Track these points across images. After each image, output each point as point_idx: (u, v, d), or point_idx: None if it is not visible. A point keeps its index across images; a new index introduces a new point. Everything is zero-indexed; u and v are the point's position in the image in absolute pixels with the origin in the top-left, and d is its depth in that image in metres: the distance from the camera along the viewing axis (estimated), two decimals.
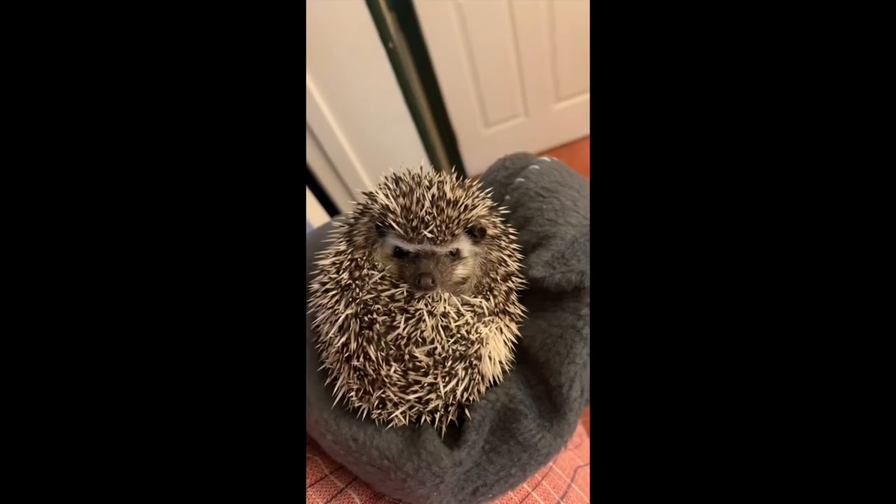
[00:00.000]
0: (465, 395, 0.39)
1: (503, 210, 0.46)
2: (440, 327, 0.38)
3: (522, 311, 0.43)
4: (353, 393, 0.39)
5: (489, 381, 0.40)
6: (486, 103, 1.87)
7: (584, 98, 1.92)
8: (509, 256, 0.43)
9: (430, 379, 0.38)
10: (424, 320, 0.38)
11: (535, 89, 1.86)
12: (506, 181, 0.51)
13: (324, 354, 0.42)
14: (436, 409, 0.39)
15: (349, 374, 0.39)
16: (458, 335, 0.38)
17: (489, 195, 0.47)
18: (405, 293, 0.39)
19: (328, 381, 0.42)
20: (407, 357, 0.38)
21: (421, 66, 1.64)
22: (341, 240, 0.43)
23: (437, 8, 1.51)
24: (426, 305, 0.39)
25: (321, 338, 0.42)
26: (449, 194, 0.40)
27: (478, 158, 2.27)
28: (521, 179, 0.49)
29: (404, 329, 0.38)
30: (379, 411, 0.39)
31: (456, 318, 0.39)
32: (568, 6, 1.63)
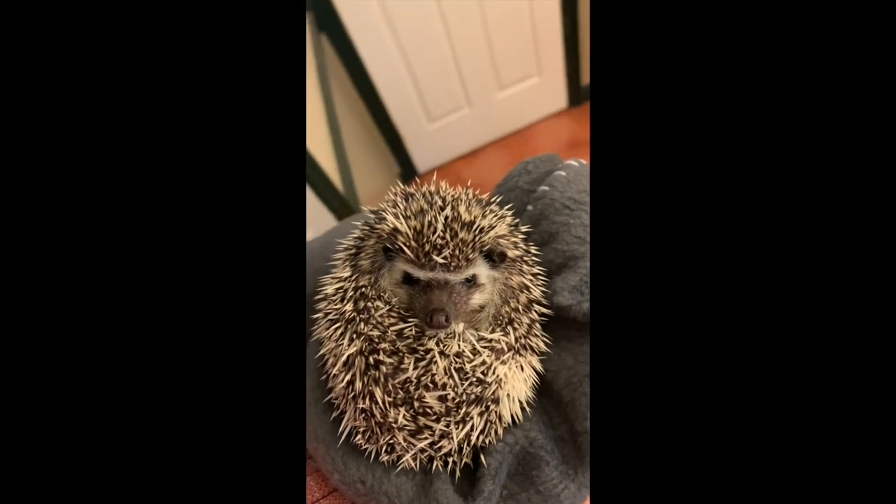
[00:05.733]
0: (482, 439, 0.36)
1: (525, 229, 0.41)
2: (453, 370, 0.34)
3: (546, 342, 0.39)
4: (359, 435, 0.36)
5: (507, 422, 0.37)
6: (426, 98, 1.71)
7: (528, 84, 1.78)
8: (532, 282, 0.39)
9: (441, 426, 0.34)
10: (436, 362, 0.34)
11: (474, 79, 1.71)
12: (528, 188, 0.46)
13: (331, 383, 0.39)
14: (449, 454, 0.36)
15: (355, 413, 0.36)
16: (474, 378, 0.35)
17: (511, 209, 0.42)
18: (414, 330, 0.35)
19: (335, 414, 0.39)
20: (416, 404, 0.34)
21: (351, 66, 1.46)
22: (345, 264, 0.39)
23: (359, 4, 1.35)
24: (438, 345, 0.35)
25: (327, 368, 0.39)
26: (464, 215, 0.36)
27: (427, 154, 2.15)
28: (546, 188, 0.43)
29: (413, 372, 0.34)
30: (388, 456, 0.36)
31: (471, 357, 0.35)
32: None
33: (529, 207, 0.44)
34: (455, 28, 1.53)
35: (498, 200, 0.42)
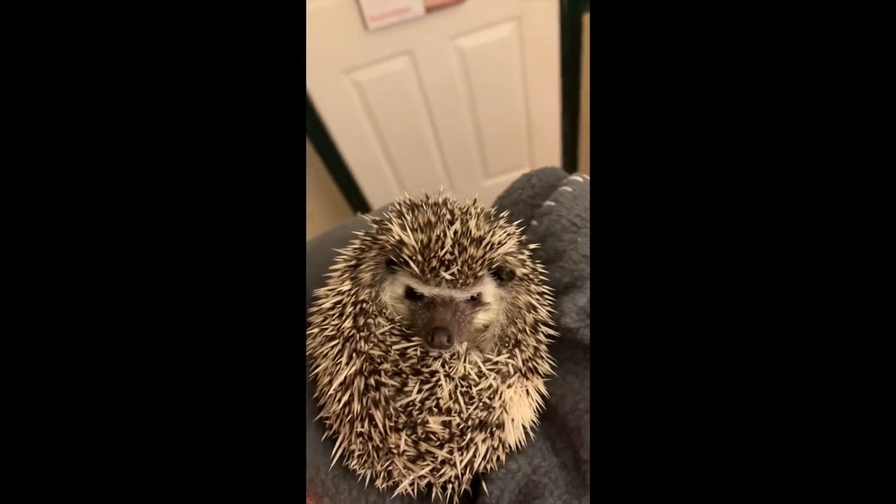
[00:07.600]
0: (484, 465, 0.34)
1: (533, 246, 0.39)
2: (459, 393, 0.33)
3: (551, 365, 0.38)
4: (354, 459, 0.34)
5: (510, 447, 0.35)
6: (405, 182, 1.58)
7: (518, 174, 1.73)
8: (539, 301, 0.37)
9: (444, 452, 0.33)
10: (441, 385, 0.32)
11: (460, 168, 1.61)
12: (532, 202, 0.44)
13: (322, 401, 0.37)
14: (449, 480, 0.34)
15: (352, 436, 0.34)
16: (480, 402, 0.33)
17: (518, 227, 0.40)
18: (419, 350, 0.33)
19: (326, 434, 0.37)
20: (420, 429, 0.32)
21: (325, 153, 1.35)
22: (344, 276, 0.37)
23: (333, 88, 1.24)
24: (443, 367, 0.33)
25: (321, 386, 0.36)
26: (474, 230, 0.34)
27: None
28: (551, 203, 0.42)
29: (417, 395, 0.32)
30: (384, 482, 0.34)
31: (477, 380, 0.33)
32: (487, 87, 1.37)
33: (534, 222, 0.43)
34: (441, 118, 1.42)
35: (506, 216, 0.40)
